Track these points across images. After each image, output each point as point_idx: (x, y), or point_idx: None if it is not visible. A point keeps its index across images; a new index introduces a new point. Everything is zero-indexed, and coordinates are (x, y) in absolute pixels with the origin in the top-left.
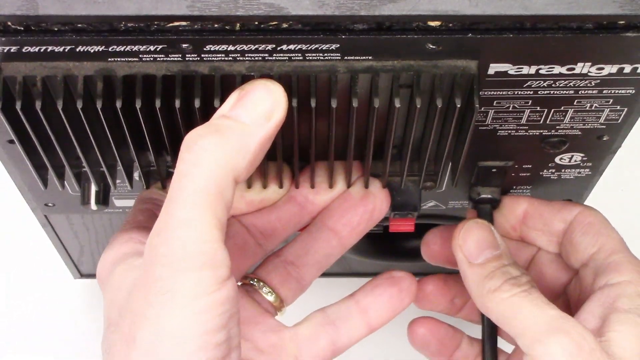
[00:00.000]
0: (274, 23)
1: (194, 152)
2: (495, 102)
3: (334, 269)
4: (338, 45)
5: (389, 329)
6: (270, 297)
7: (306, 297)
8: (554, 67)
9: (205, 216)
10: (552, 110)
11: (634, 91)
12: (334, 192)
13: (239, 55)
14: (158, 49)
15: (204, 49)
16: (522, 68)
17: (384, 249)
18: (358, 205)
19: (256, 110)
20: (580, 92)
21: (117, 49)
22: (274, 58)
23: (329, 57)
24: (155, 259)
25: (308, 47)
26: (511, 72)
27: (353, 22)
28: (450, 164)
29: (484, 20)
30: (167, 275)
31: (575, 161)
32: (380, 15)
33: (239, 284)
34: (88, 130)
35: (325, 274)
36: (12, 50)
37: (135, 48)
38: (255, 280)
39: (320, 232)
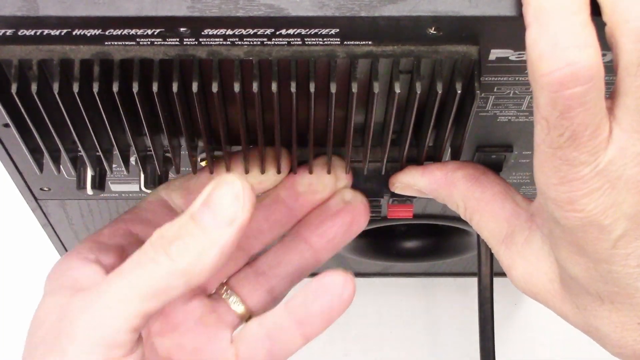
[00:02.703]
0: None
1: (156, 252)
2: (495, 88)
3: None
4: (337, 30)
5: (390, 330)
6: (238, 308)
7: None
8: None
9: (135, 310)
10: None
11: None
12: (323, 193)
13: (237, 39)
14: (155, 33)
15: (202, 33)
16: (523, 54)
17: (384, 249)
18: (335, 217)
19: (220, 214)
20: None
21: (114, 33)
22: (272, 42)
23: (329, 42)
24: (66, 325)
25: (307, 32)
26: (512, 58)
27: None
28: (450, 150)
29: (484, 21)
30: (65, 348)
31: None
32: (380, 16)
33: (213, 292)
34: (84, 115)
35: None
36: (7, 34)
37: (133, 32)
38: (225, 289)
39: (294, 243)
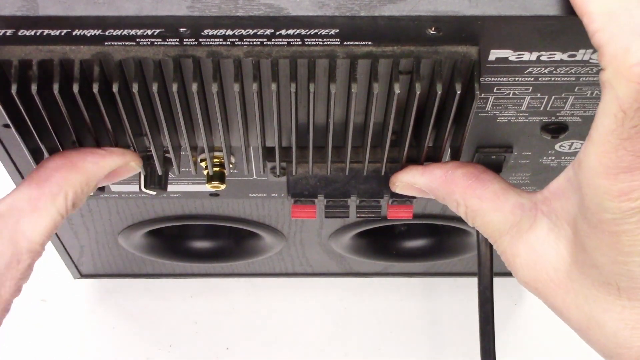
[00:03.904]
0: None
1: None
2: (495, 88)
3: (334, 269)
4: (337, 30)
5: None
6: None
7: (307, 297)
8: (555, 54)
9: None
10: (553, 97)
11: None
12: None
13: (237, 40)
14: (155, 33)
15: (202, 33)
16: (523, 54)
17: (384, 249)
18: None
19: None
20: (581, 79)
21: (114, 33)
22: (272, 43)
23: (328, 42)
24: None
25: (307, 32)
26: (512, 58)
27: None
28: (449, 150)
29: (484, 21)
30: None
31: (576, 148)
32: (380, 15)
33: None
34: (84, 115)
35: (325, 274)
36: (7, 34)
37: (132, 32)
38: None
39: None
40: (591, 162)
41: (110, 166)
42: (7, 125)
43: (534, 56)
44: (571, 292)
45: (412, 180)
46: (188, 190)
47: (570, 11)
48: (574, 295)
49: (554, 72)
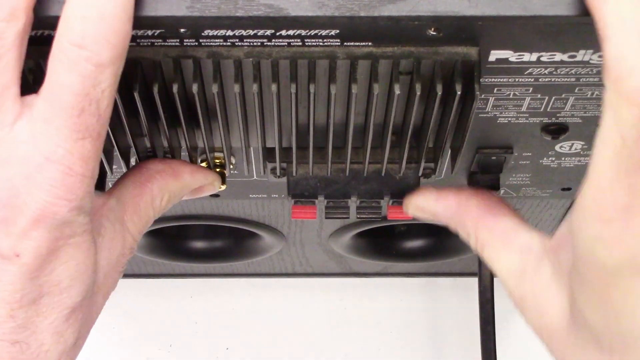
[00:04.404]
0: None
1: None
2: (495, 89)
3: (333, 269)
4: (337, 31)
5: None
6: None
7: (307, 297)
8: (555, 55)
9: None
10: (553, 97)
11: None
12: None
13: (237, 40)
14: (156, 34)
15: (202, 33)
16: (523, 55)
17: (384, 249)
18: None
19: None
20: (581, 80)
21: None
22: (272, 43)
23: (329, 43)
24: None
25: (307, 33)
26: (512, 59)
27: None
28: (449, 151)
29: (483, 21)
30: None
31: (576, 149)
32: (380, 16)
33: None
34: None
35: (324, 274)
36: None
37: (133, 32)
38: None
39: None
40: (586, 202)
41: (202, 181)
42: None
43: (534, 57)
44: (569, 347)
45: (425, 205)
46: None
47: (570, 11)
48: (571, 351)
49: (554, 72)
